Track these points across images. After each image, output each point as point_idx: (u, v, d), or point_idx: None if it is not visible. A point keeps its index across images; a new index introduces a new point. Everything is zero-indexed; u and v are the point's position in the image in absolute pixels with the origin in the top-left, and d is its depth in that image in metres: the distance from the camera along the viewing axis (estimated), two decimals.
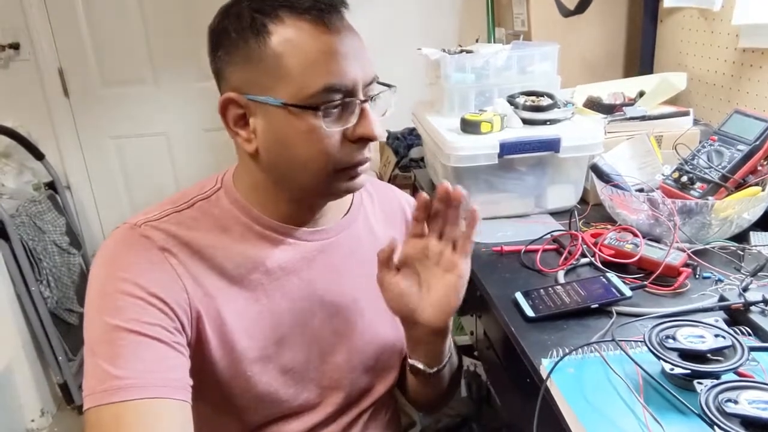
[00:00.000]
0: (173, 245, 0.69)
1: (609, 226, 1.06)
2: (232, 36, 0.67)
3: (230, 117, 0.69)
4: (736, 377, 0.63)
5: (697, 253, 0.94)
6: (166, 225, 0.71)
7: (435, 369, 0.79)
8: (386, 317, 0.83)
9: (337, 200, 0.80)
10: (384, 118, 0.72)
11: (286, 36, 0.64)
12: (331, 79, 0.64)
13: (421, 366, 0.79)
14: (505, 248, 1.06)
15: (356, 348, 0.81)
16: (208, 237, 0.72)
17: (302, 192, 0.73)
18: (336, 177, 0.70)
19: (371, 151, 0.71)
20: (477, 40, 1.88)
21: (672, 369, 0.62)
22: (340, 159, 0.68)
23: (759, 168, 1.01)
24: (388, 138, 2.18)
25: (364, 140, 0.68)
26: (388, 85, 0.73)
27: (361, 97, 0.67)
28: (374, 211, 0.87)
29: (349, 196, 0.84)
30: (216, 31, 0.69)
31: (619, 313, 0.82)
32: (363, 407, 0.85)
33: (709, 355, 0.63)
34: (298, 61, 0.64)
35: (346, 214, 0.82)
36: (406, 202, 0.92)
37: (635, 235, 0.97)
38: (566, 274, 0.95)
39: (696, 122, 1.32)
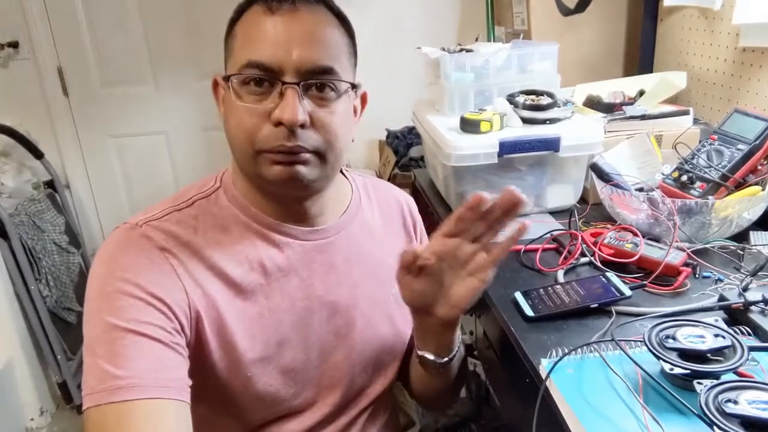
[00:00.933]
0: (173, 246, 0.69)
1: (609, 226, 1.06)
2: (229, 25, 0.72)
3: (219, 98, 0.74)
4: (736, 377, 0.63)
5: (696, 252, 0.94)
6: (166, 225, 0.71)
7: (445, 359, 0.79)
8: (384, 316, 0.83)
9: (334, 200, 0.80)
10: (327, 111, 0.68)
11: (244, 19, 0.69)
12: (253, 55, 0.66)
13: (431, 357, 0.78)
14: None
15: (355, 347, 0.81)
16: (207, 237, 0.72)
17: (250, 179, 0.73)
18: (260, 160, 0.68)
19: (298, 140, 0.66)
20: (477, 39, 1.88)
21: (672, 369, 0.62)
22: (261, 140, 0.67)
23: (759, 167, 1.01)
24: (387, 137, 2.18)
25: (282, 124, 0.66)
26: (352, 84, 0.71)
27: (287, 80, 0.66)
28: (372, 210, 0.87)
29: (347, 195, 0.84)
30: (229, 22, 0.73)
31: (618, 313, 0.81)
32: (362, 406, 0.85)
33: (708, 355, 0.63)
34: (239, 40, 0.69)
35: (343, 214, 0.82)
36: (404, 201, 0.92)
37: (635, 235, 0.96)
38: (566, 273, 0.95)
39: (696, 121, 1.32)
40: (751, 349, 0.65)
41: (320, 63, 0.67)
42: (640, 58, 1.72)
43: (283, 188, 0.71)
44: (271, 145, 0.67)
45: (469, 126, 1.17)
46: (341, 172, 0.85)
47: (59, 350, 2.00)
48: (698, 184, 1.03)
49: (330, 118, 0.69)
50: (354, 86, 0.72)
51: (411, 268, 0.68)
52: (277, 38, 0.66)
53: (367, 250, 0.82)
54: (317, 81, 0.67)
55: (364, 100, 0.80)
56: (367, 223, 0.85)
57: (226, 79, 0.69)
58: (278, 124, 0.66)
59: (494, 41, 2.01)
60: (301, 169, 0.69)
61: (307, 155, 0.68)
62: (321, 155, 0.69)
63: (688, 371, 0.62)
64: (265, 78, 0.66)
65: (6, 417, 1.91)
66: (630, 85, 1.48)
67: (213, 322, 0.70)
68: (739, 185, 1.01)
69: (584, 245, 0.99)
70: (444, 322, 0.73)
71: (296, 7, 0.67)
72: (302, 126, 0.66)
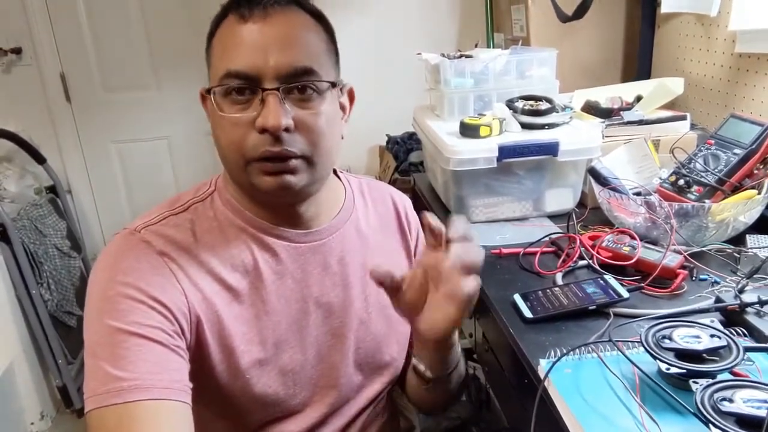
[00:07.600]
0: (172, 250, 0.70)
1: (607, 229, 1.07)
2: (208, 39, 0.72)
3: (208, 111, 0.74)
4: (731, 377, 0.64)
5: (693, 255, 0.95)
6: (164, 229, 0.71)
7: (434, 375, 0.79)
8: (381, 316, 0.84)
9: (328, 201, 0.80)
10: (310, 113, 0.68)
11: (220, 31, 0.69)
12: (230, 65, 0.66)
13: (421, 368, 0.79)
14: (504, 250, 1.07)
15: (352, 347, 0.82)
16: (204, 241, 0.73)
17: (243, 188, 0.73)
18: (250, 170, 0.69)
19: (284, 144, 0.66)
20: (476, 45, 1.89)
21: (668, 369, 0.63)
22: (249, 149, 0.67)
23: (755, 171, 1.02)
24: (388, 142, 2.19)
25: (266, 131, 0.66)
26: (331, 83, 0.71)
27: (266, 86, 0.66)
28: (367, 213, 0.87)
29: (340, 196, 0.84)
30: (207, 36, 0.73)
31: (616, 315, 0.82)
32: (360, 407, 0.86)
33: (704, 355, 0.64)
34: (217, 51, 0.69)
35: (337, 215, 0.82)
36: (400, 200, 0.91)
37: (632, 238, 0.97)
38: (564, 276, 0.96)
39: (693, 126, 1.33)
40: (747, 349, 0.66)
41: (298, 65, 0.67)
42: (638, 63, 1.73)
43: (275, 197, 0.72)
44: (258, 152, 0.67)
45: (468, 131, 1.19)
46: (335, 173, 0.86)
47: (60, 354, 2.00)
48: (695, 188, 1.04)
49: (314, 119, 0.69)
50: (335, 84, 0.72)
51: (386, 286, 0.69)
52: (253, 45, 0.66)
53: (362, 251, 0.83)
54: (297, 83, 0.67)
55: (351, 96, 0.80)
56: (362, 224, 0.85)
57: (208, 92, 0.69)
58: (263, 131, 0.66)
59: (494, 47, 2.03)
60: (291, 178, 0.69)
61: (295, 162, 0.68)
62: (308, 159, 0.70)
63: (685, 371, 0.62)
64: (245, 86, 0.66)
65: (7, 421, 1.91)
66: (628, 90, 1.49)
67: (212, 326, 0.71)
68: (736, 189, 1.02)
69: (582, 248, 1.00)
70: (430, 340, 0.73)
71: (268, 11, 0.67)
72: (287, 130, 0.66)
